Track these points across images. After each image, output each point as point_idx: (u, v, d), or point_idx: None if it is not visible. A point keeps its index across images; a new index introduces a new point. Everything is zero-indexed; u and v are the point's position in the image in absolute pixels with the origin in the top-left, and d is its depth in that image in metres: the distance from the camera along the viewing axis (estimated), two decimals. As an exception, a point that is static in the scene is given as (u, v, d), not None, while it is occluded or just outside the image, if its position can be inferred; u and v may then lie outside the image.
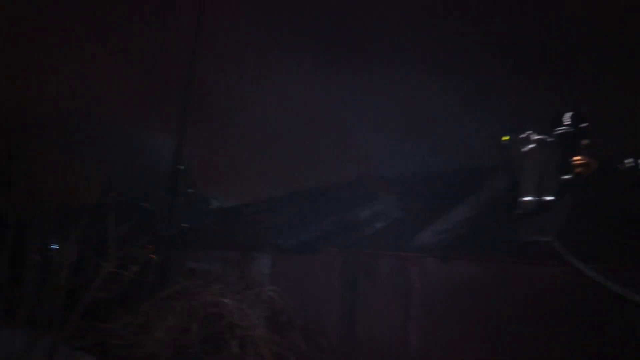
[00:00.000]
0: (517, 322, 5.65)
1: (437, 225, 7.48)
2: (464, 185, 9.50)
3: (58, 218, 4.54)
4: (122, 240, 4.60)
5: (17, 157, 4.67)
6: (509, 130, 7.62)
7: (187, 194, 12.02)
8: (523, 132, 7.28)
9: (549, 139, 7.25)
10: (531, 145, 7.22)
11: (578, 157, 8.01)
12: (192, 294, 3.89)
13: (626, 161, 7.42)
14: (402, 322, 6.44)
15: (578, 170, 8.14)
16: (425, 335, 6.27)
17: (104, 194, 4.87)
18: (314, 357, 3.92)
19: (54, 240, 4.33)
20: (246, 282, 4.48)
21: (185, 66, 8.75)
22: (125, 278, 4.33)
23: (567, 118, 7.63)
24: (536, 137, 7.20)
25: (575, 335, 5.26)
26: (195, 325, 3.68)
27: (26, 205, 4.53)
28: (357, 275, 7.18)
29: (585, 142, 8.33)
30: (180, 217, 11.93)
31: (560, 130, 7.79)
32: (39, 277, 4.19)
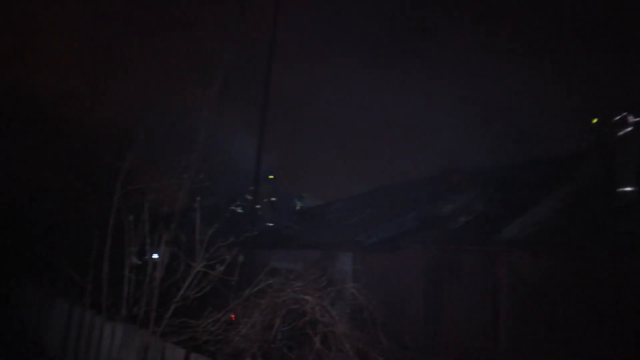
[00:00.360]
0: (614, 320, 5.23)
1: (525, 217, 7.11)
2: (553, 174, 8.95)
3: (151, 223, 4.87)
4: (209, 241, 4.83)
5: (115, 169, 5.07)
6: (599, 113, 7.06)
7: (271, 202, 12.53)
8: (616, 115, 6.70)
9: None
10: (628, 129, 6.64)
11: None
12: (275, 292, 4.02)
13: None
14: (490, 320, 6.20)
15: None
16: (515, 334, 5.98)
17: (192, 199, 5.16)
18: (396, 354, 3.88)
19: (149, 243, 4.66)
20: (327, 280, 4.53)
21: (262, 71, 9.02)
22: (213, 277, 4.56)
23: None
24: (634, 119, 6.62)
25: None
26: (278, 321, 3.79)
27: (123, 212, 4.90)
28: (441, 272, 7.02)
29: None
30: (265, 218, 12.40)
31: None
32: (136, 278, 4.52)
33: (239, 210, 12.93)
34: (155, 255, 4.59)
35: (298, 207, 13.91)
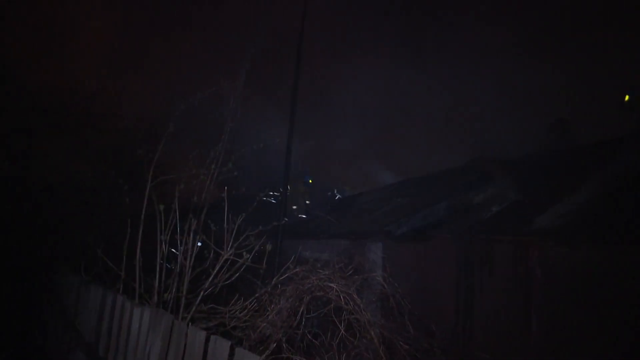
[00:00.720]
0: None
1: (559, 206, 6.95)
2: (591, 160, 8.68)
3: (182, 213, 4.99)
4: (238, 230, 4.92)
5: (147, 161, 5.21)
6: (633, 88, 6.77)
7: (306, 204, 12.74)
8: None
9: None
10: None
11: None
12: (300, 279, 4.07)
13: None
14: (523, 312, 6.10)
15: None
16: (547, 326, 5.87)
17: (222, 189, 5.25)
18: (422, 342, 3.88)
19: (179, 232, 4.78)
20: (355, 269, 4.55)
21: (292, 61, 9.05)
22: (241, 265, 4.64)
23: None
24: None
25: None
26: (303, 307, 3.84)
27: (155, 203, 5.03)
28: (472, 262, 6.95)
29: None
30: (297, 209, 12.55)
31: None
32: (167, 266, 4.65)
33: (272, 200, 13.16)
34: (185, 244, 4.70)
35: (337, 197, 14.14)
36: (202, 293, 4.43)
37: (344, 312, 3.68)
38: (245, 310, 4.23)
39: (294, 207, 13.33)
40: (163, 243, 4.72)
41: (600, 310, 5.46)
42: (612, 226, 5.93)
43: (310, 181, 13.80)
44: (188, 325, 2.81)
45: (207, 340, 2.49)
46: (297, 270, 4.40)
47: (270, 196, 13.52)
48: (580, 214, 6.56)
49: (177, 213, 4.88)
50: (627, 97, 6.79)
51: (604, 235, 5.75)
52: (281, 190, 9.61)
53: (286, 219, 8.35)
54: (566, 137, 11.48)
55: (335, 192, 14.53)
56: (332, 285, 3.74)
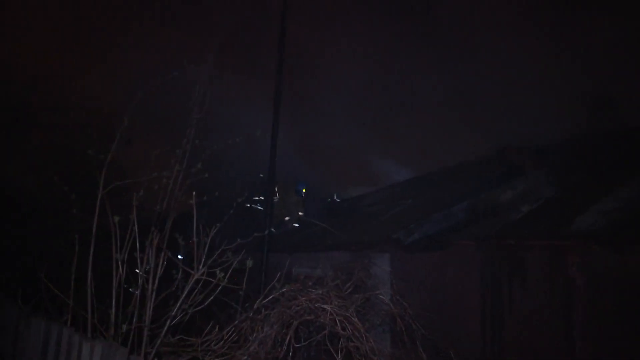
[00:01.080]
0: None
1: (604, 203, 7.00)
2: (642, 147, 8.75)
3: (142, 225, 4.99)
4: (212, 245, 4.93)
5: (99, 164, 5.21)
6: None
7: (299, 217, 12.82)
8: None
9: None
10: None
11: None
12: (287, 301, 4.09)
13: None
14: (563, 330, 6.15)
15: None
16: (594, 345, 5.92)
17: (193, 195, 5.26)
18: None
19: (139, 249, 4.79)
20: (355, 286, 4.58)
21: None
22: (216, 286, 4.65)
23: None
24: None
25: None
26: (290, 335, 3.86)
27: (109, 214, 5.03)
28: (500, 273, 7.00)
29: None
30: (290, 220, 12.63)
31: None
32: (126, 290, 4.66)
33: (258, 206, 13.20)
34: (147, 263, 4.71)
35: (328, 201, 14.22)
36: (169, 322, 4.44)
37: (342, 339, 3.70)
38: (222, 342, 4.24)
39: (287, 218, 13.41)
40: (120, 263, 4.72)
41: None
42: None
43: (305, 190, 13.89)
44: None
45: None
46: (284, 290, 4.42)
47: (255, 202, 13.59)
48: (630, 211, 6.61)
49: (137, 226, 4.88)
50: None
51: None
52: (266, 194, 9.64)
53: (273, 230, 8.37)
54: (612, 118, 11.55)
55: (335, 197, 14.61)
56: (325, 307, 3.76)
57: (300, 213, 13.36)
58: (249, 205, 13.28)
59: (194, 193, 5.04)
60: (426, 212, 8.78)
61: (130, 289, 4.66)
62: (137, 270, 4.78)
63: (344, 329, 3.65)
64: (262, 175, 11.66)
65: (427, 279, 7.39)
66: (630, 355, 5.64)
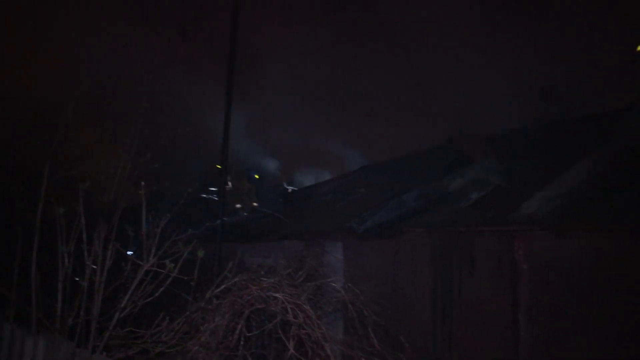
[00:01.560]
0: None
1: (549, 190, 7.21)
2: (587, 136, 9.04)
3: (90, 216, 4.88)
4: (162, 235, 4.87)
5: (42, 154, 5.06)
6: None
7: (251, 205, 12.70)
8: None
9: None
10: None
11: None
12: (238, 290, 4.08)
13: None
14: (509, 312, 6.33)
15: None
16: (538, 331, 6.11)
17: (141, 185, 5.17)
18: (390, 358, 3.97)
19: (86, 241, 4.69)
20: (307, 274, 4.60)
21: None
22: (166, 277, 4.61)
23: None
24: None
25: None
26: (242, 324, 3.86)
27: (54, 205, 4.91)
28: (451, 259, 7.13)
29: None
30: (242, 208, 12.53)
31: None
32: (73, 283, 4.56)
33: (213, 197, 13.07)
34: (95, 255, 4.62)
35: (290, 190, 14.17)
36: (118, 314, 4.38)
37: (293, 327, 3.71)
38: (173, 333, 4.21)
39: (238, 205, 13.27)
40: (66, 256, 4.62)
41: (599, 309, 5.73)
42: (611, 209, 6.20)
43: (257, 176, 13.76)
44: (94, 353, 2.77)
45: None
46: (236, 279, 4.41)
47: (209, 192, 13.45)
48: (573, 197, 6.83)
49: (83, 217, 4.77)
50: (639, 48, 6.99)
51: (600, 220, 6.00)
52: (219, 184, 9.56)
53: (225, 219, 8.31)
54: (558, 108, 11.87)
55: (286, 185, 14.55)
56: (277, 295, 3.76)
57: (254, 204, 13.27)
58: (204, 195, 13.16)
59: (142, 183, 4.97)
60: (378, 200, 8.88)
61: (78, 281, 4.56)
62: (86, 262, 4.68)
63: (295, 316, 3.67)
64: (218, 167, 11.52)
65: (379, 266, 7.48)
66: (572, 334, 5.85)
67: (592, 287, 5.83)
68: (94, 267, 4.59)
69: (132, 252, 5.19)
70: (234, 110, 8.34)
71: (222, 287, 4.48)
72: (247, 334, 3.97)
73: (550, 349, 6.03)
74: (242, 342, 3.91)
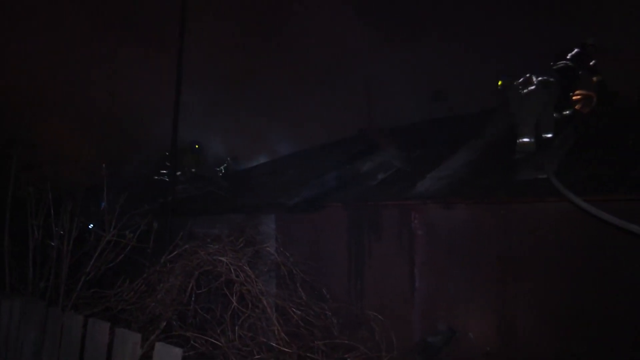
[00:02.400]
0: (518, 259, 5.72)
1: (437, 171, 7.49)
2: (465, 130, 9.44)
3: (57, 194, 4.62)
4: (121, 210, 4.69)
5: (10, 138, 4.72)
6: (504, 74, 7.57)
7: (191, 172, 12.13)
8: (522, 75, 7.20)
9: (551, 79, 7.14)
10: (532, 87, 7.12)
11: (578, 92, 7.90)
12: (189, 255, 3.99)
13: None
14: (408, 269, 6.56)
15: (578, 105, 8.04)
16: (431, 281, 6.38)
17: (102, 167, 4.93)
18: (315, 307, 4.02)
19: (53, 215, 4.44)
20: (247, 241, 4.56)
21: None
22: (125, 246, 4.45)
23: (572, 54, 7.52)
24: (537, 79, 7.11)
25: (577, 269, 5.32)
26: (192, 283, 3.79)
27: (23, 185, 4.62)
28: (362, 228, 7.27)
29: (595, 78, 8.22)
30: (186, 185, 12.10)
31: (560, 64, 7.65)
32: (42, 252, 4.32)
33: (165, 178, 12.53)
34: (62, 227, 4.38)
35: (222, 172, 13.68)
36: (84, 278, 4.18)
37: (236, 285, 3.69)
38: (133, 292, 4.07)
39: (178, 173, 12.34)
40: (35, 228, 4.36)
41: (472, 262, 6.05)
42: (482, 187, 6.53)
43: (197, 146, 12.93)
44: (64, 311, 2.65)
45: (86, 324, 2.37)
46: (186, 246, 4.31)
47: (162, 175, 12.91)
48: (455, 177, 7.13)
49: (50, 194, 4.52)
50: (500, 83, 7.60)
51: (475, 196, 6.31)
52: (170, 167, 9.26)
53: (171, 198, 8.06)
54: (445, 107, 12.28)
55: (226, 165, 13.93)
56: (222, 259, 3.71)
57: (193, 170, 12.53)
58: (156, 177, 12.59)
59: (104, 165, 4.75)
60: (304, 180, 8.91)
61: (47, 251, 4.33)
62: (54, 233, 4.44)
63: (237, 276, 3.64)
64: (167, 154, 11.03)
65: (305, 234, 7.52)
66: (452, 281, 6.16)
67: (468, 246, 6.15)
68: (61, 236, 4.37)
69: (93, 226, 4.97)
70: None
71: (175, 253, 4.37)
72: (197, 292, 3.90)
73: (437, 295, 6.32)
74: (193, 298, 3.85)
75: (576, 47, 7.90)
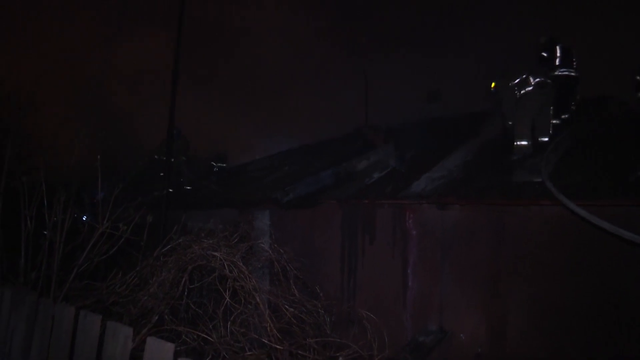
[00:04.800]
0: (511, 261, 5.73)
1: (432, 172, 7.48)
2: (460, 131, 9.44)
3: (50, 185, 4.57)
4: (115, 202, 4.64)
5: (5, 129, 4.67)
6: (499, 75, 7.56)
7: (181, 160, 11.99)
8: (516, 75, 7.18)
9: (547, 81, 7.14)
10: (528, 88, 7.11)
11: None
12: (182, 249, 3.96)
13: None
14: (400, 268, 6.56)
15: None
16: (423, 281, 6.39)
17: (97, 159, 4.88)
18: (308, 304, 4.01)
19: (47, 206, 4.39)
20: (240, 237, 4.53)
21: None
22: (119, 238, 4.41)
23: (557, 53, 7.48)
24: (535, 80, 7.10)
25: (570, 272, 5.33)
26: (186, 277, 3.76)
27: (17, 175, 4.57)
28: (356, 226, 7.27)
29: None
30: (181, 179, 12.01)
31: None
32: (35, 242, 4.28)
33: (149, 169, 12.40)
34: (55, 218, 4.34)
35: (216, 169, 13.58)
36: (76, 269, 4.14)
37: (229, 280, 3.66)
38: (125, 285, 4.04)
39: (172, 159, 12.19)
40: (28, 218, 4.32)
41: (471, 263, 6.06)
42: (477, 188, 6.53)
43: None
44: (55, 302, 2.62)
45: (77, 316, 2.34)
46: (180, 240, 4.28)
47: (157, 170, 12.77)
48: (450, 178, 7.13)
49: (44, 185, 4.47)
50: (493, 85, 7.59)
51: (469, 196, 6.32)
52: (166, 158, 9.20)
53: (167, 191, 8.02)
54: (441, 107, 12.27)
55: (216, 162, 13.77)
56: (215, 254, 3.69)
57: (183, 158, 12.40)
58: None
59: (99, 156, 4.70)
60: (299, 177, 8.87)
61: (39, 241, 4.28)
62: (46, 224, 4.39)
63: (231, 271, 3.62)
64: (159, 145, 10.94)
65: (299, 230, 7.51)
66: (443, 281, 6.17)
67: (462, 247, 6.16)
68: (54, 227, 4.32)
69: (86, 217, 4.93)
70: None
71: (168, 246, 4.34)
72: (190, 286, 3.88)
73: (429, 294, 6.33)
74: (185, 293, 3.82)
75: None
